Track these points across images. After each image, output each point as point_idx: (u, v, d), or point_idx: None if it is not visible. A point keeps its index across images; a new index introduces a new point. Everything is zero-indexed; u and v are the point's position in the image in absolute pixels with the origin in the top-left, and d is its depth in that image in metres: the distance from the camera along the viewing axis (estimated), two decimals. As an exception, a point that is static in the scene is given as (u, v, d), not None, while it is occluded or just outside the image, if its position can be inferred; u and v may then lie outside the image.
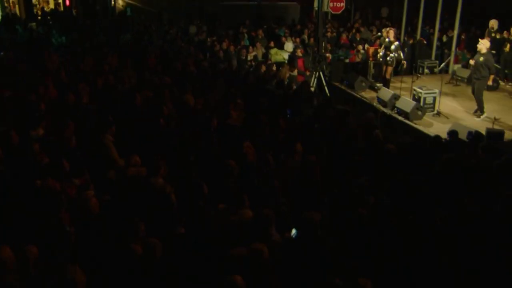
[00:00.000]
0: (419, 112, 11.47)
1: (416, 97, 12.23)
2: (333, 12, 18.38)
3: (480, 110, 11.96)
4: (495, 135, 9.19)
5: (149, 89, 10.33)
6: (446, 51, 18.40)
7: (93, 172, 6.55)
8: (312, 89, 13.23)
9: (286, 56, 17.06)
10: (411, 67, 15.99)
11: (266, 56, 16.72)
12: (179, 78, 11.47)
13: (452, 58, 16.59)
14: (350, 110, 8.74)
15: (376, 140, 7.82)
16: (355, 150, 7.51)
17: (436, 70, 16.42)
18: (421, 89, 12.15)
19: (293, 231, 5.43)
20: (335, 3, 17.96)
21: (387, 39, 13.42)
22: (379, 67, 14.92)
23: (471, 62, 12.13)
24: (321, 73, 14.38)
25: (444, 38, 19.04)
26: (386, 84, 13.60)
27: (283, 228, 5.51)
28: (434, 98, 12.02)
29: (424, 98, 11.92)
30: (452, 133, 8.64)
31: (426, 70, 16.07)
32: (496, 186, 6.66)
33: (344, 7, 18.33)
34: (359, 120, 8.83)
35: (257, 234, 5.14)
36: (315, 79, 14.23)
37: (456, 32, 16.30)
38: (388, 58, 13.53)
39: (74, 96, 9.26)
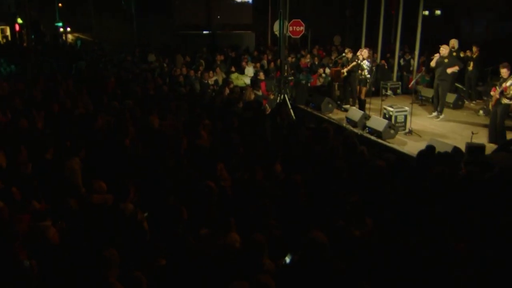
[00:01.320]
0: (392, 131, 11.11)
1: (387, 116, 11.90)
2: (293, 36, 18.20)
3: (440, 111, 12.69)
4: (476, 149, 8.88)
5: (108, 113, 9.72)
6: (404, 73, 18.64)
7: (53, 200, 5.80)
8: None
9: (247, 80, 16.68)
10: (377, 89, 15.92)
11: (226, 81, 16.25)
12: (140, 101, 10.84)
13: (414, 79, 16.58)
14: (330, 128, 8.24)
15: (363, 156, 7.34)
16: (341, 168, 7.00)
17: (399, 91, 16.36)
18: (392, 107, 11.84)
19: (288, 258, 4.83)
20: (294, 27, 17.89)
21: (360, 58, 13.16)
22: (344, 88, 14.69)
23: (432, 64, 12.73)
24: (285, 95, 14.02)
25: (402, 62, 19.24)
26: (362, 105, 13.26)
27: (275, 254, 4.89)
28: (405, 116, 11.72)
29: (396, 117, 11.60)
30: (430, 148, 8.23)
31: (389, 91, 15.91)
32: (491, 198, 6.32)
33: (303, 31, 18.31)
34: (337, 138, 8.34)
35: (248, 264, 4.50)
36: (280, 102, 13.82)
37: (417, 53, 16.37)
38: (362, 77, 13.28)
39: (28, 122, 8.48)
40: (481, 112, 13.38)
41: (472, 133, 9.57)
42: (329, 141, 8.08)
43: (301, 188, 6.22)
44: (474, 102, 14.75)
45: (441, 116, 12.68)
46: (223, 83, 14.85)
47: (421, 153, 7.56)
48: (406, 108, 11.86)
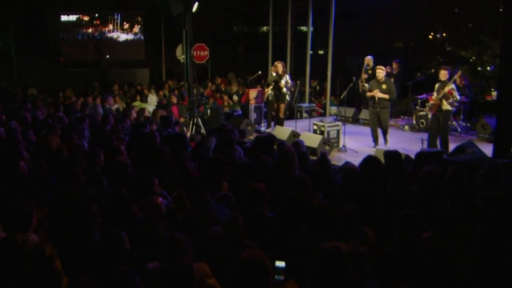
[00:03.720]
0: (327, 147, 10.04)
1: (317, 131, 10.85)
2: (197, 62, 16.97)
3: (385, 140, 10.77)
4: (433, 155, 8.00)
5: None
6: (313, 99, 18.31)
7: None
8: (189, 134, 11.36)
9: (150, 109, 15.11)
10: (291, 112, 15.12)
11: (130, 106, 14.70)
12: (32, 126, 9.03)
13: (328, 101, 16.07)
14: (275, 136, 6.99)
15: (326, 162, 6.11)
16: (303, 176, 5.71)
17: (314, 114, 15.63)
18: (324, 122, 10.83)
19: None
20: (198, 52, 16.77)
21: (274, 74, 12.11)
22: (260, 110, 13.61)
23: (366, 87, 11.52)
24: (199, 119, 12.68)
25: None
26: (280, 123, 12.16)
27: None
28: (338, 132, 10.73)
29: (328, 132, 10.57)
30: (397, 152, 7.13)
31: (305, 114, 15.11)
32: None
33: (208, 56, 17.25)
34: (287, 146, 7.06)
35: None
36: (193, 126, 12.41)
37: (329, 78, 15.95)
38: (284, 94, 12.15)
39: None
40: (406, 127, 12.90)
41: (422, 140, 8.77)
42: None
43: (267, 196, 4.84)
44: (394, 120, 14.19)
45: (387, 144, 10.56)
46: (125, 108, 13.26)
47: (387, 155, 6.52)
48: (339, 123, 10.91)
